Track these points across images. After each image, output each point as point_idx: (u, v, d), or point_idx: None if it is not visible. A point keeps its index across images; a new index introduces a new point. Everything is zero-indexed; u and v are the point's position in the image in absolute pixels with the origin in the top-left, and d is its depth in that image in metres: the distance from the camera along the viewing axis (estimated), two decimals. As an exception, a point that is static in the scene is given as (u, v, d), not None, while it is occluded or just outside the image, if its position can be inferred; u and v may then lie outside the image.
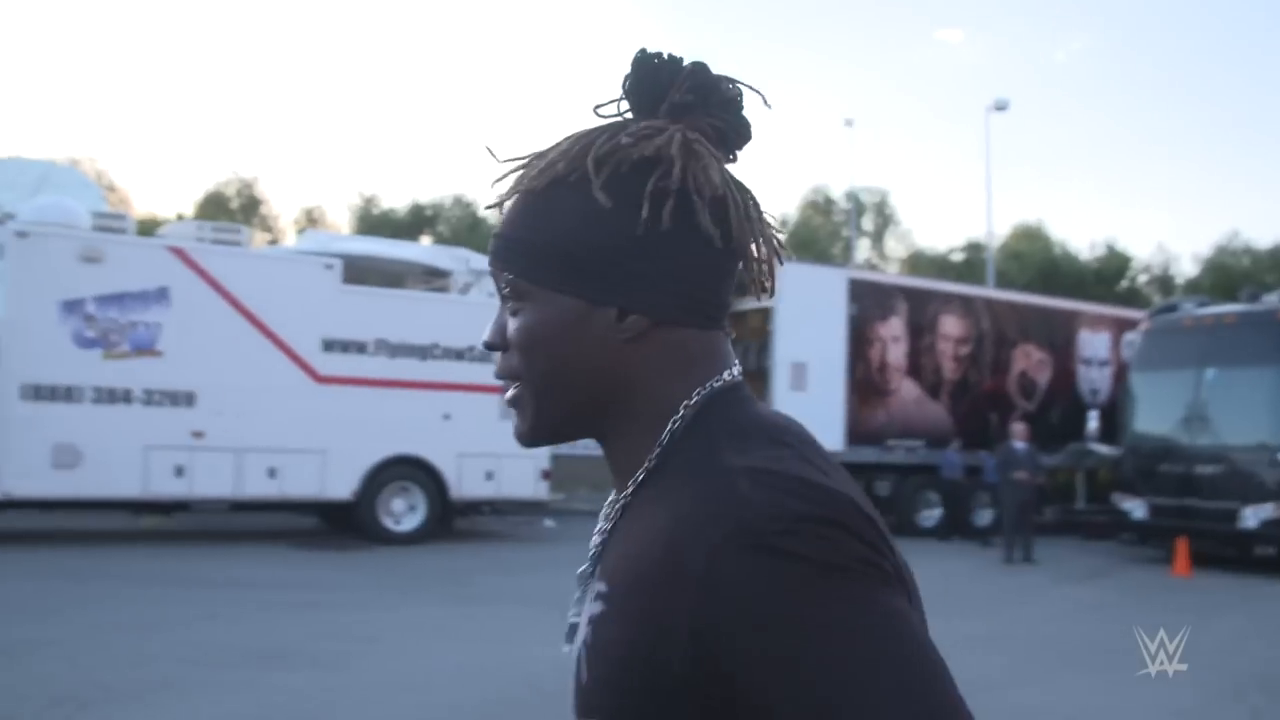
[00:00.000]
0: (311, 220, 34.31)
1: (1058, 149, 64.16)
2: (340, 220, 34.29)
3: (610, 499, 1.07)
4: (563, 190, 0.99)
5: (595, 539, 1.05)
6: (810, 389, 15.97)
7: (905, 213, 71.65)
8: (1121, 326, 20.19)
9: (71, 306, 11.67)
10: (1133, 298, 34.81)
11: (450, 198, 34.00)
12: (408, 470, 13.29)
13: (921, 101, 68.64)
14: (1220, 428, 14.37)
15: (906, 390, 17.30)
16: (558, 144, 1.02)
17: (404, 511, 13.33)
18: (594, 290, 1.00)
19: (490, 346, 1.05)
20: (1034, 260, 35.85)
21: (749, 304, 17.92)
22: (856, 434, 16.41)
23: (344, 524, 13.65)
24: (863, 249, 42.43)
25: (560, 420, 1.04)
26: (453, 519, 13.88)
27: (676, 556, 0.87)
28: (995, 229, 44.67)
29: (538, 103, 68.42)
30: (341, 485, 12.86)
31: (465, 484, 13.52)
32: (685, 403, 1.01)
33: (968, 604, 10.18)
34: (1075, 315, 19.99)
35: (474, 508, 14.10)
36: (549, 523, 15.92)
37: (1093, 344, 19.75)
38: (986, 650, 8.00)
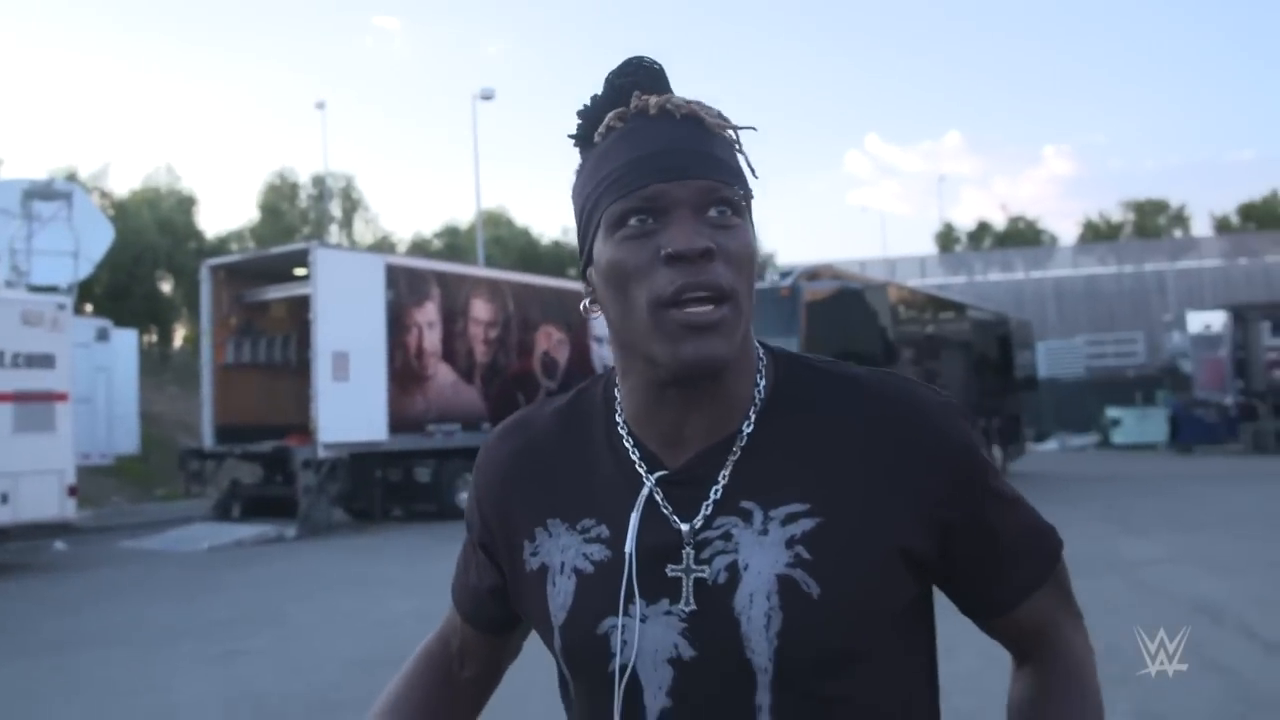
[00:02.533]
0: None
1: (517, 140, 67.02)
2: None
3: (628, 447, 1.13)
4: (729, 140, 1.09)
5: (661, 492, 1.09)
6: (353, 378, 15.38)
7: (373, 198, 71.38)
8: (626, 305, 21.46)
9: None
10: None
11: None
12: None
13: (376, 87, 68.62)
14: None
15: (443, 375, 17.19)
16: (699, 102, 1.10)
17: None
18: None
19: (709, 252, 1.03)
20: (515, 245, 37.12)
21: (272, 294, 16.94)
22: (397, 422, 16.02)
23: None
24: (333, 234, 41.65)
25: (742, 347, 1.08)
26: (-40, 554, 11.77)
27: (940, 435, 1.09)
28: (461, 216, 45.57)
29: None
30: None
31: (-25, 510, 11.51)
32: (756, 345, 1.14)
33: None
34: (587, 296, 20.91)
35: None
36: (60, 545, 14.03)
37: (602, 323, 20.69)
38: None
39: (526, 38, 72.16)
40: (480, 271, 19.98)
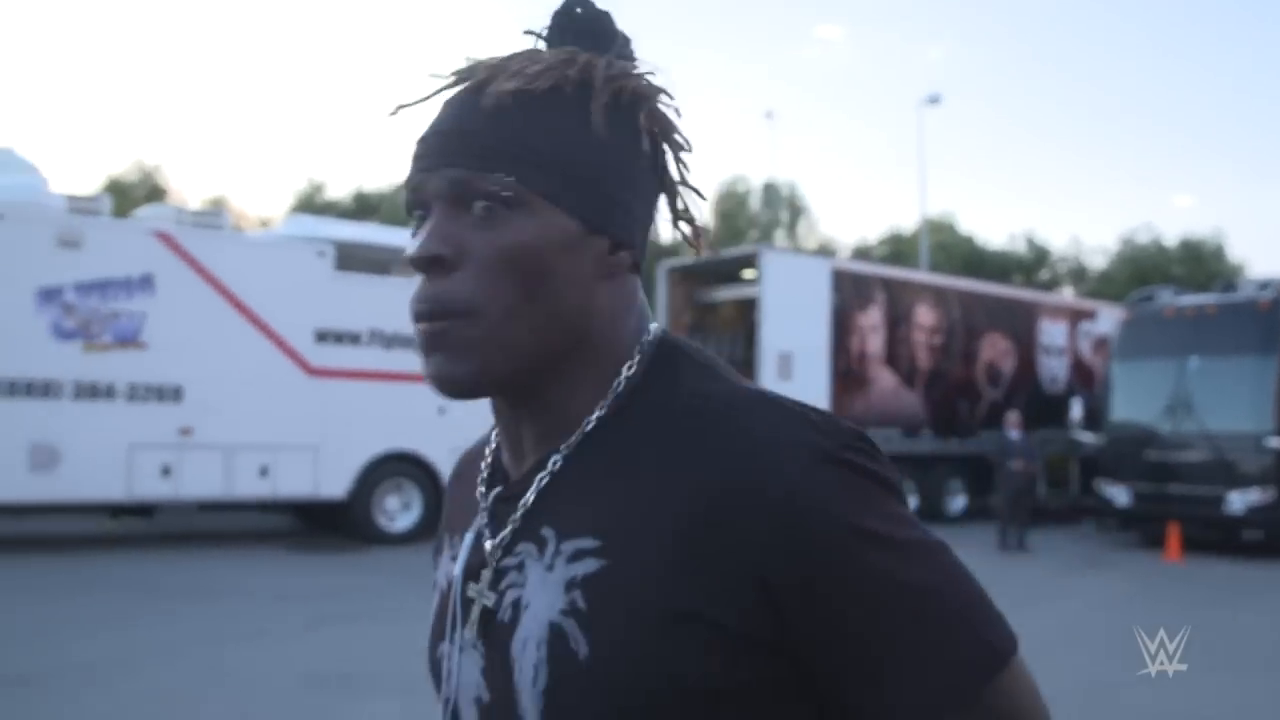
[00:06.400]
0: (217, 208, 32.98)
1: (961, 145, 65.57)
2: (249, 209, 33.16)
3: (487, 459, 1.02)
4: (559, 101, 0.90)
5: (488, 506, 0.97)
6: (796, 378, 15.72)
7: (815, 204, 72.59)
8: (1077, 316, 20.43)
9: (49, 295, 10.78)
10: (1052, 287, 35.50)
11: (392, 185, 33.02)
12: (402, 466, 12.63)
13: (819, 95, 69.64)
14: (1204, 414, 14.49)
15: (884, 380, 17.18)
16: (535, 55, 0.92)
17: (398, 510, 12.68)
18: (592, 213, 0.90)
19: (437, 261, 0.87)
20: (959, 251, 36.31)
21: (722, 295, 17.65)
22: (836, 424, 16.21)
23: (319, 522, 12.93)
24: (778, 239, 42.66)
25: (520, 363, 0.89)
26: (447, 517, 13.24)
27: (757, 480, 0.82)
28: (904, 222, 45.23)
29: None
30: (335, 483, 12.16)
31: (461, 480, 12.90)
32: (637, 347, 0.95)
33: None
34: (1036, 305, 20.13)
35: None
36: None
37: (1051, 333, 19.90)
38: (1065, 648, 7.80)
39: (970, 40, 69.87)
40: (925, 277, 19.76)
